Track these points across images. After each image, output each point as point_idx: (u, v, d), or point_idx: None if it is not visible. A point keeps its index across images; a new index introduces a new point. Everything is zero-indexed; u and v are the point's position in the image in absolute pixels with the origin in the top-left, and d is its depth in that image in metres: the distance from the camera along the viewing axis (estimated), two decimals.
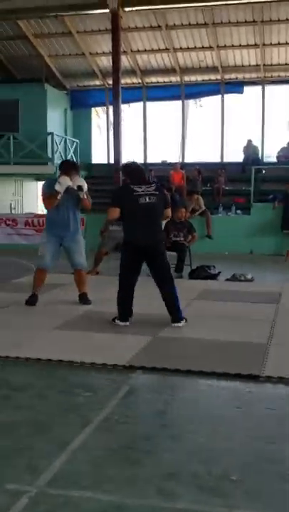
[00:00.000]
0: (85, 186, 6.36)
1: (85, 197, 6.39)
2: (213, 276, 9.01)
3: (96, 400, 3.53)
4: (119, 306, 5.51)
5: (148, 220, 5.37)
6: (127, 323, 5.47)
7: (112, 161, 15.93)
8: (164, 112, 19.70)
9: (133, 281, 5.48)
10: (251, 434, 3.04)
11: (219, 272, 9.21)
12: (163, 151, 19.44)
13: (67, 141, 17.71)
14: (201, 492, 2.41)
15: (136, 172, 5.67)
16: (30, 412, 3.33)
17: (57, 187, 6.17)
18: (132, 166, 5.82)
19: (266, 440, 2.95)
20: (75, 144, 18.13)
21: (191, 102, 20.71)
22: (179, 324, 5.41)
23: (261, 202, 14.45)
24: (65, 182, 6.18)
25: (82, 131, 19.05)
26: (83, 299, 6.53)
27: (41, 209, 19.91)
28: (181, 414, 3.29)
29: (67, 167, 6.49)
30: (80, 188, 6.27)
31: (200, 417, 3.29)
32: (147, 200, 5.36)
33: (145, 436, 2.97)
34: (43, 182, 6.50)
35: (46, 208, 6.54)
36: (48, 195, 6.31)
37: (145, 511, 2.30)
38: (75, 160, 17.31)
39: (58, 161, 16.58)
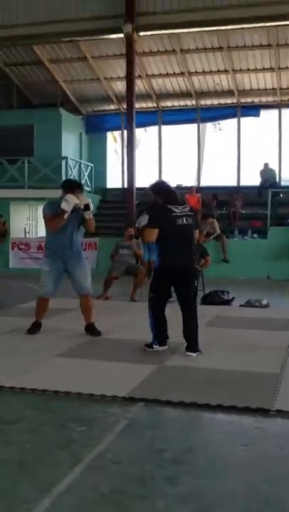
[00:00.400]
0: (91, 205, 6.01)
1: (91, 217, 6.03)
2: (227, 302, 8.72)
3: (90, 435, 3.26)
4: (155, 330, 5.27)
5: (185, 242, 5.20)
6: (166, 347, 5.26)
7: (126, 185, 15.81)
8: (181, 135, 19.61)
9: (165, 304, 5.32)
10: (257, 476, 2.73)
11: (233, 298, 8.92)
12: (178, 174, 19.32)
13: (82, 165, 17.67)
14: None
15: (170, 191, 5.43)
16: (19, 449, 3.07)
17: (64, 206, 5.73)
18: (164, 185, 5.60)
19: (274, 483, 2.64)
20: (89, 168, 18.09)
21: (209, 125, 20.65)
22: (193, 354, 5.13)
23: (278, 226, 14.17)
24: (72, 201, 5.76)
25: (97, 155, 19.02)
26: (90, 330, 6.08)
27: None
28: (182, 453, 2.99)
29: (72, 185, 6.11)
30: (86, 207, 5.88)
31: (201, 456, 2.99)
32: (184, 221, 5.17)
33: (139, 479, 2.68)
34: (44, 205, 6.08)
35: (52, 229, 6.01)
36: (53, 216, 5.88)
37: None
38: (83, 181, 17.28)
39: None
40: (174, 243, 5.13)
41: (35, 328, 6.12)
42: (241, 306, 8.51)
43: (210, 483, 2.65)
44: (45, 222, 6.15)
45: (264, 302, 8.46)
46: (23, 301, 8.59)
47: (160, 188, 5.50)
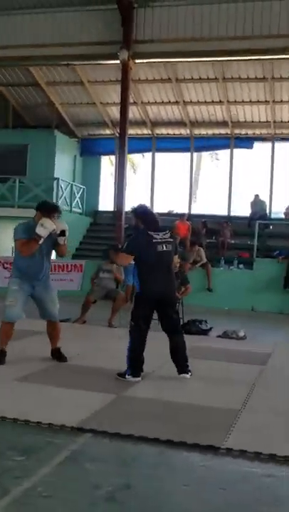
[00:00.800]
0: (67, 231, 5.75)
1: (65, 243, 5.80)
2: (204, 332, 8.59)
3: (26, 466, 3.11)
4: (130, 360, 5.13)
5: (165, 270, 5.21)
6: (139, 379, 5.13)
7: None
8: (176, 162, 19.70)
9: (146, 332, 5.21)
10: None
11: (211, 328, 8.80)
12: (171, 201, 19.36)
13: (74, 187, 17.65)
14: None
15: (152, 217, 5.38)
16: None
17: (40, 231, 5.41)
18: (147, 210, 5.51)
19: None
20: (81, 190, 18.08)
21: (206, 155, 20.79)
22: (187, 375, 5.22)
23: (267, 257, 14.10)
24: (49, 226, 5.45)
25: (90, 178, 19.04)
26: (56, 355, 5.88)
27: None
28: (117, 491, 2.84)
29: (50, 209, 5.73)
30: (62, 233, 5.67)
31: (138, 495, 2.84)
32: (164, 248, 5.18)
33: None
34: (15, 226, 5.74)
35: (25, 254, 5.60)
36: (27, 241, 5.53)
37: None
38: (74, 203, 17.23)
39: (63, 206, 16.53)
40: (154, 270, 5.11)
41: (2, 357, 5.65)
42: (218, 336, 8.38)
43: None
44: (16, 245, 5.81)
45: (241, 334, 8.34)
46: None
47: (142, 212, 5.42)
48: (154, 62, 14.99)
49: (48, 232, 5.48)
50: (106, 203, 19.50)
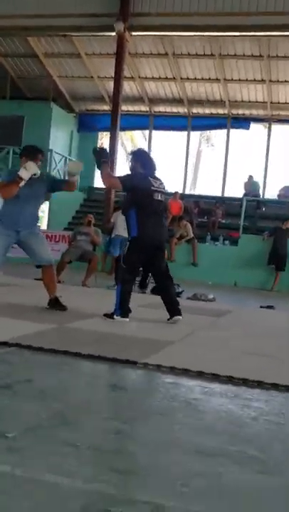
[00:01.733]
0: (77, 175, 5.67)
1: (74, 179, 5.62)
2: (176, 295, 8.62)
3: None
4: (120, 301, 5.14)
5: (159, 218, 5.22)
6: (127, 320, 5.17)
7: None
8: (172, 141, 19.72)
9: (134, 278, 5.39)
10: (56, 398, 2.64)
11: (182, 291, 8.83)
12: (166, 180, 19.31)
13: (68, 161, 17.66)
14: None
15: (151, 162, 5.22)
16: None
17: (21, 173, 5.19)
18: (147, 154, 5.36)
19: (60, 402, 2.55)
20: None
21: (202, 140, 20.72)
22: (180, 317, 5.33)
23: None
24: (31, 169, 5.23)
25: (87, 153, 18.97)
26: (55, 304, 5.61)
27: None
28: (14, 383, 2.89)
29: (34, 151, 5.51)
30: (70, 174, 5.66)
31: (32, 389, 2.89)
32: (159, 197, 5.14)
33: None
34: (5, 172, 5.72)
35: (4, 196, 5.40)
36: (7, 182, 5.34)
37: None
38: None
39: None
40: (151, 216, 5.08)
41: None
42: (188, 298, 8.42)
43: (16, 404, 2.56)
44: None
45: (210, 296, 8.38)
46: None
47: (143, 155, 5.27)
48: (150, 35, 14.95)
49: (29, 174, 5.24)
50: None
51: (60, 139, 18.05)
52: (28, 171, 5.25)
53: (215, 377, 3.35)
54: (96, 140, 19.55)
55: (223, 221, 15.92)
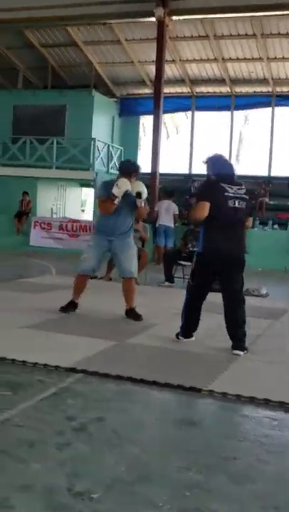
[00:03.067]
0: (145, 193, 5.67)
1: (142, 205, 5.72)
2: None
3: (12, 399, 3.30)
4: (183, 321, 4.81)
5: (233, 228, 4.59)
6: (192, 339, 4.83)
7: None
8: (215, 123, 19.42)
9: (204, 295, 4.76)
10: (145, 448, 2.71)
11: None
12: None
13: (111, 147, 17.69)
14: (44, 509, 2.13)
15: (227, 167, 4.75)
16: None
17: (114, 190, 5.49)
18: (222, 159, 4.85)
19: (146, 465, 2.62)
20: (119, 151, 18.10)
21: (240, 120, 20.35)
22: (240, 353, 4.55)
23: None
24: (123, 186, 5.49)
25: (129, 139, 19.02)
26: (131, 315, 5.79)
27: (83, 215, 20.09)
28: (89, 423, 2.99)
29: (128, 169, 5.76)
30: (138, 194, 5.60)
31: (106, 427, 2.98)
32: (236, 204, 4.51)
33: (30, 443, 2.70)
34: (100, 185, 5.83)
35: (103, 212, 5.82)
36: (104, 199, 5.67)
37: None
38: (111, 164, 17.20)
39: (99, 167, 16.64)
40: (221, 227, 4.55)
41: (69, 308, 5.89)
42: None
43: (93, 452, 2.65)
44: (98, 204, 6.02)
45: (263, 291, 8.33)
46: (24, 277, 8.75)
47: (216, 160, 4.79)
48: (191, 18, 14.68)
49: (122, 192, 5.49)
50: (145, 164, 19.46)
51: (103, 126, 18.05)
52: (120, 188, 5.49)
53: (281, 405, 3.38)
54: (138, 124, 19.45)
55: (271, 202, 15.69)
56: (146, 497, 2.25)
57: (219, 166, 4.72)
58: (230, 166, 4.82)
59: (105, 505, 2.17)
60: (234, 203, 4.50)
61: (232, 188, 4.53)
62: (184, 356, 4.47)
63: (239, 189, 4.57)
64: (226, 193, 4.49)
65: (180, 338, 4.84)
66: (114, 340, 4.81)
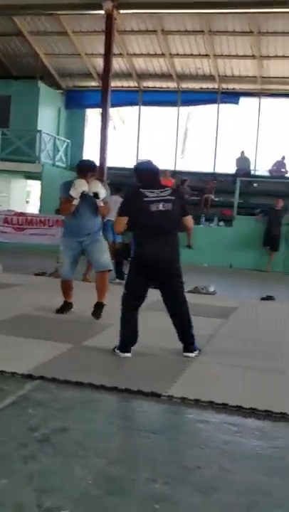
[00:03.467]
0: (102, 193, 5.69)
1: (102, 204, 5.76)
2: None
3: None
4: (121, 334, 4.60)
5: (160, 233, 4.48)
6: (128, 355, 4.55)
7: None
8: (162, 117, 19.51)
9: (138, 303, 4.64)
10: (111, 459, 2.73)
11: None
12: (157, 157, 19.20)
13: (57, 140, 17.48)
14: None
15: (148, 173, 4.65)
16: None
17: (71, 192, 5.57)
18: (145, 165, 4.84)
19: (122, 467, 2.64)
20: (65, 144, 17.91)
21: (190, 117, 20.51)
22: (191, 355, 4.61)
23: (249, 215, 14.15)
24: (79, 187, 5.55)
25: (75, 131, 18.84)
26: (98, 311, 5.90)
27: (28, 206, 19.81)
28: (52, 434, 2.97)
29: (83, 169, 5.77)
30: (95, 195, 5.63)
31: (69, 438, 2.97)
32: (160, 207, 4.42)
33: None
34: (61, 184, 5.80)
35: (64, 214, 6.03)
36: (64, 200, 5.72)
37: None
38: (58, 157, 17.01)
39: (45, 159, 16.42)
40: (147, 232, 4.50)
41: (64, 309, 6.15)
42: (189, 291, 8.50)
43: (62, 465, 2.64)
44: (59, 204, 5.98)
45: (211, 289, 8.49)
46: None
47: (138, 167, 4.83)
48: (140, 13, 14.65)
49: (78, 193, 5.56)
50: (92, 157, 19.33)
51: (48, 118, 17.80)
52: (76, 189, 5.56)
53: (239, 410, 3.47)
54: (84, 117, 19.30)
55: (216, 199, 15.93)
56: (117, 511, 2.27)
57: (141, 172, 4.69)
58: (151, 170, 4.71)
59: None
60: (158, 207, 4.44)
61: (153, 192, 4.46)
62: (139, 360, 4.50)
63: (162, 192, 4.49)
64: (145, 199, 4.44)
65: (116, 351, 4.59)
66: (70, 343, 4.79)
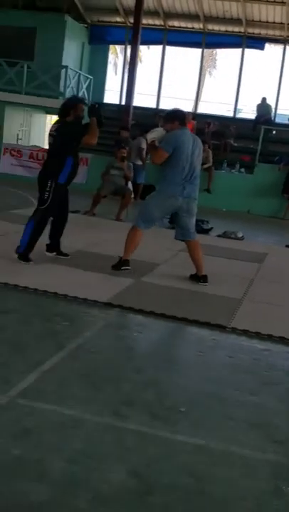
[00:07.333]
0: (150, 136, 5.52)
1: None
2: (205, 231, 9.25)
3: (72, 329, 3.84)
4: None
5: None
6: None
7: (124, 102, 15.86)
8: (183, 58, 19.49)
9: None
10: (205, 375, 3.36)
11: (211, 228, 9.46)
12: (177, 98, 19.33)
13: (81, 76, 17.50)
14: (151, 418, 2.73)
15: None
16: (12, 334, 3.64)
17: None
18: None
19: (217, 383, 3.27)
20: (88, 80, 17.93)
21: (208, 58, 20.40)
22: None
23: (268, 163, 14.48)
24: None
25: (97, 67, 18.79)
26: (199, 278, 5.59)
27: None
28: (147, 351, 3.61)
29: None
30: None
31: (163, 356, 3.60)
32: (50, 141, 5.59)
33: (110, 366, 3.29)
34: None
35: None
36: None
37: (99, 428, 2.62)
38: (80, 93, 17.06)
39: (69, 95, 16.51)
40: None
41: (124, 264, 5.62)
42: (218, 236, 9.07)
43: (167, 376, 3.27)
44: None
45: (239, 235, 9.02)
46: (13, 208, 9.04)
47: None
48: None
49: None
50: (109, 94, 19.44)
51: (72, 52, 17.71)
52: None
53: None
54: (107, 53, 19.22)
55: (235, 144, 16.19)
56: (224, 413, 2.90)
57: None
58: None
59: (192, 416, 2.79)
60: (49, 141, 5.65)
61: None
62: (197, 295, 5.10)
63: (53, 127, 5.63)
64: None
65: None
66: (131, 278, 5.35)
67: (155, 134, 5.46)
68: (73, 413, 2.69)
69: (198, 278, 5.56)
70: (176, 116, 5.44)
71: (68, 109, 5.57)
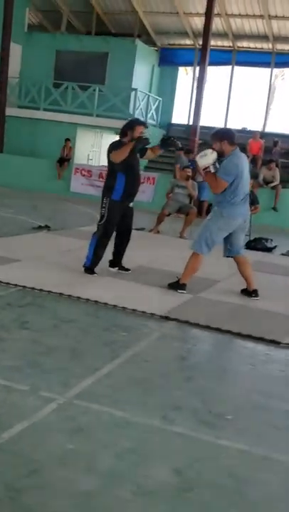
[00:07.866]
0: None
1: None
2: (269, 250, 9.27)
3: (129, 339, 4.04)
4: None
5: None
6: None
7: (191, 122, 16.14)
8: (251, 78, 19.56)
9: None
10: (254, 386, 3.46)
11: (275, 246, 9.46)
12: (245, 117, 19.41)
13: (150, 98, 17.95)
14: (198, 423, 2.87)
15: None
16: (72, 341, 3.88)
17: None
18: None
19: (266, 394, 3.36)
20: (157, 102, 18.37)
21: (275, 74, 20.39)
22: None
23: None
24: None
25: (166, 89, 19.23)
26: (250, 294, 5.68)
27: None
28: (199, 362, 3.75)
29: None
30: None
31: (215, 367, 3.74)
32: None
33: (163, 374, 3.45)
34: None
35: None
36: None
37: (148, 429, 2.79)
38: (149, 115, 17.36)
39: (139, 117, 16.98)
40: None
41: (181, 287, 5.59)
42: (282, 254, 9.06)
43: (216, 385, 3.40)
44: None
45: None
46: (80, 225, 9.43)
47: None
48: None
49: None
50: (178, 115, 19.76)
51: (142, 75, 18.23)
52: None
53: None
54: (176, 75, 19.62)
55: None
56: (268, 421, 2.99)
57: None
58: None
59: (238, 424, 2.91)
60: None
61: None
62: (253, 312, 5.19)
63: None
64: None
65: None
66: (189, 294, 5.51)
67: (205, 160, 5.28)
68: (124, 415, 2.87)
69: (250, 293, 5.65)
70: (224, 135, 5.31)
71: (126, 130, 5.77)
